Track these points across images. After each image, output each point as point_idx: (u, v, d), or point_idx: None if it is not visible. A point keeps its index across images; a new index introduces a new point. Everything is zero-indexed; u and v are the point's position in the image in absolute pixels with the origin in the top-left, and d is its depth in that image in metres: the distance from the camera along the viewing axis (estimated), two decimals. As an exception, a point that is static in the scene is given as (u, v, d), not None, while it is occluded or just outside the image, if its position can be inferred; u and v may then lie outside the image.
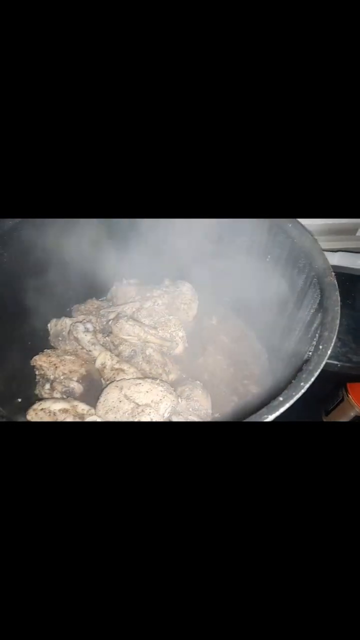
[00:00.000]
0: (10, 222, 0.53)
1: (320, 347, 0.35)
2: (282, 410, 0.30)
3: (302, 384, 0.31)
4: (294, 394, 0.31)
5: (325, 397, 0.61)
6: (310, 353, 0.35)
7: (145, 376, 0.60)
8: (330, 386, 0.57)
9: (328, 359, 0.35)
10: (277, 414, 0.30)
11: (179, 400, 0.55)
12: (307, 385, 0.31)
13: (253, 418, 0.29)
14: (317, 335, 0.37)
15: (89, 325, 0.64)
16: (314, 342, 0.36)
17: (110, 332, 0.64)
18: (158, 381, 0.55)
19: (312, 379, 0.32)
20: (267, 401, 0.31)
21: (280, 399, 0.30)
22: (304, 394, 0.32)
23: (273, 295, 0.60)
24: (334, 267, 0.44)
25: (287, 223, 0.52)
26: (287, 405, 0.30)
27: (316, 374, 0.32)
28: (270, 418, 0.29)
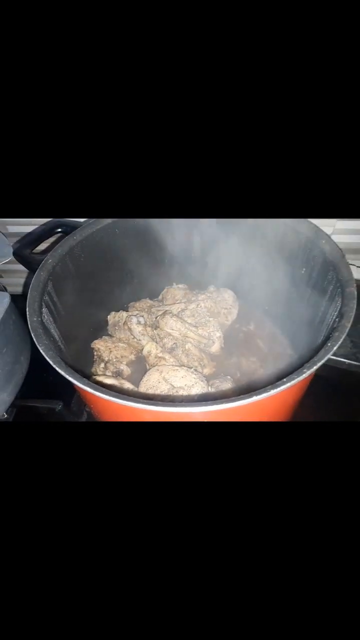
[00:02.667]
0: (89, 229, 0.67)
1: (329, 344, 0.40)
2: (283, 387, 0.36)
3: (304, 370, 0.37)
4: (295, 377, 0.37)
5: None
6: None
7: (182, 366, 0.69)
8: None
9: (338, 356, 0.40)
10: (279, 389, 0.36)
11: (209, 388, 0.62)
12: (309, 372, 0.37)
13: (253, 394, 0.36)
14: (330, 335, 0.42)
15: (141, 319, 0.75)
16: (327, 341, 0.42)
17: (157, 327, 0.75)
18: (192, 369, 0.63)
19: (315, 367, 0.38)
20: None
21: (284, 380, 0.37)
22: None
23: (305, 304, 0.65)
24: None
25: (320, 239, 0.58)
26: (286, 386, 0.36)
27: (319, 364, 0.38)
28: (274, 392, 0.36)
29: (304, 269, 0.64)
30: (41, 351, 0.43)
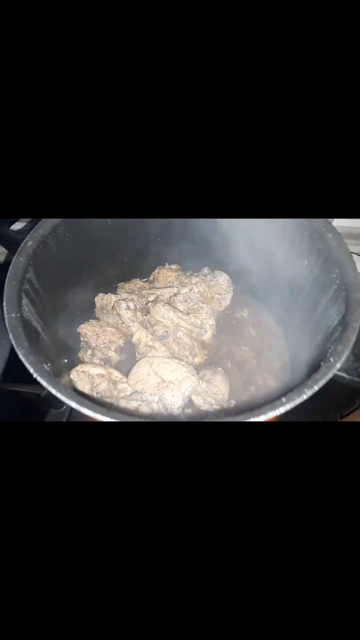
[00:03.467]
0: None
1: (331, 359, 0.38)
2: (282, 410, 0.34)
3: (305, 389, 0.35)
4: (296, 397, 0.35)
5: (340, 404, 0.64)
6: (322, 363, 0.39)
7: (173, 356, 0.67)
8: (344, 394, 0.60)
9: (339, 371, 0.38)
10: (277, 412, 0.34)
11: (200, 382, 0.61)
12: (311, 392, 0.35)
13: (253, 414, 0.34)
14: (331, 347, 0.40)
15: (130, 304, 0.71)
16: (328, 354, 0.40)
17: (148, 312, 0.71)
18: (184, 362, 0.61)
19: (316, 388, 0.36)
20: (277, 397, 0.35)
21: (283, 400, 0.35)
22: (311, 397, 0.36)
23: (304, 298, 0.62)
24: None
25: (327, 232, 0.53)
26: (288, 407, 0.34)
27: (321, 383, 0.36)
28: (271, 414, 0.34)
29: (306, 261, 0.60)
30: (20, 356, 0.40)
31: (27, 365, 0.39)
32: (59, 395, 0.37)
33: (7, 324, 0.42)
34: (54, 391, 0.37)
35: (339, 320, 0.45)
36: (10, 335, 0.41)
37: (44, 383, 0.37)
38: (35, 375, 0.38)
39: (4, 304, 0.44)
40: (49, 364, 0.45)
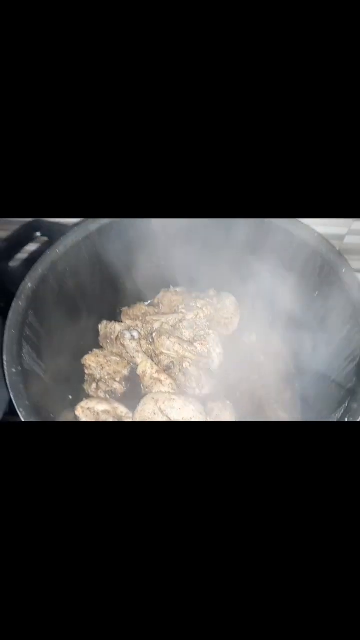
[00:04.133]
0: (72, 238, 0.58)
1: (346, 418, 0.36)
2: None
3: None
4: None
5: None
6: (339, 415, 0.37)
7: (180, 387, 0.65)
8: None
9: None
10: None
11: (207, 418, 0.59)
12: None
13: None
14: (347, 405, 0.38)
15: (135, 333, 0.69)
16: (342, 411, 0.37)
17: (153, 341, 0.69)
18: (191, 399, 0.59)
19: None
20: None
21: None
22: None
23: (315, 328, 0.60)
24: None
25: (341, 267, 0.50)
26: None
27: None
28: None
29: (317, 292, 0.57)
30: (21, 417, 0.38)
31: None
32: None
33: (7, 381, 0.41)
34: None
35: (354, 370, 0.43)
36: (12, 395, 0.40)
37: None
38: None
39: (4, 357, 0.43)
40: (53, 414, 0.44)
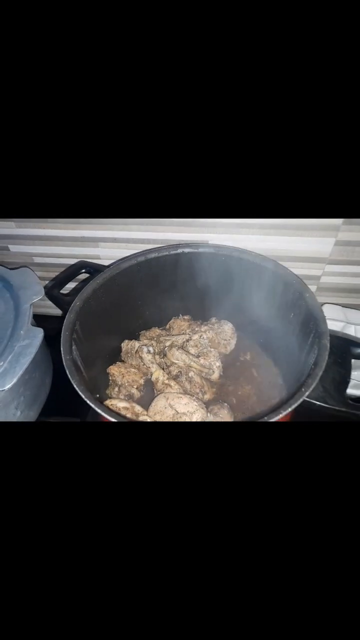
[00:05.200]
0: (109, 273, 0.78)
1: (302, 389, 0.51)
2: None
3: (281, 411, 0.48)
4: (274, 417, 0.47)
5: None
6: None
7: (186, 392, 0.80)
8: (316, 418, 0.70)
9: (311, 398, 0.51)
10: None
11: (209, 415, 0.73)
12: (284, 413, 0.48)
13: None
14: (306, 381, 0.53)
15: (150, 349, 0.86)
16: (303, 387, 0.52)
17: (165, 355, 0.86)
18: (194, 398, 0.74)
19: (289, 409, 0.48)
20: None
21: (265, 418, 0.47)
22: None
23: (294, 343, 0.76)
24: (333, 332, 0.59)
25: (305, 292, 0.69)
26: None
27: (292, 407, 0.48)
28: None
29: (292, 314, 0.74)
30: (74, 386, 0.54)
31: (80, 393, 0.53)
32: (105, 414, 0.51)
33: (64, 364, 0.58)
34: (100, 411, 0.51)
35: (314, 361, 0.58)
36: (67, 372, 0.56)
37: (90, 403, 0.52)
38: (85, 399, 0.52)
39: (61, 347, 0.61)
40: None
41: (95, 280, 0.75)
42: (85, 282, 0.78)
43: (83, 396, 0.53)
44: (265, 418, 0.47)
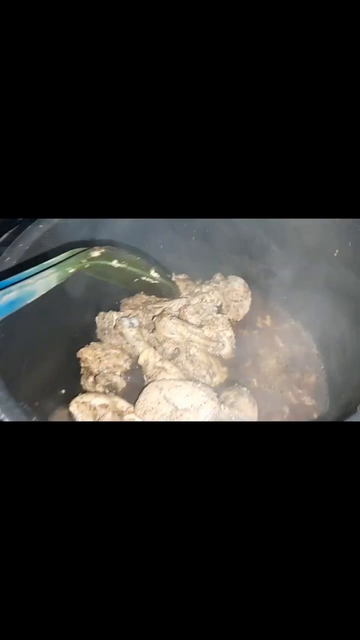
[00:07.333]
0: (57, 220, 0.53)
1: None
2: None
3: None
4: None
5: None
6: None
7: (188, 377, 0.57)
8: None
9: None
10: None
11: (222, 407, 0.51)
12: None
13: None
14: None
15: (134, 321, 0.63)
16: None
17: (155, 329, 0.62)
18: (200, 385, 0.51)
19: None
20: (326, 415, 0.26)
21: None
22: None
23: (339, 297, 0.52)
24: None
25: None
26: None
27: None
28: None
29: (337, 251, 0.50)
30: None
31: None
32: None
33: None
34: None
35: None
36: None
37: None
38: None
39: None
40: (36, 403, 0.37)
41: (35, 225, 0.50)
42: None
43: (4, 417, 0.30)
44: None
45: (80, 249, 0.50)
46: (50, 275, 0.43)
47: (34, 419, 0.32)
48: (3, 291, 0.37)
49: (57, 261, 0.45)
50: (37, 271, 0.42)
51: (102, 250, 0.51)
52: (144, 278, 0.60)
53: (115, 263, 0.53)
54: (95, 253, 0.50)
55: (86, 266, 0.49)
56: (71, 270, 0.46)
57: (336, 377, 0.57)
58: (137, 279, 0.58)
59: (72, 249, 0.49)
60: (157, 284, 0.61)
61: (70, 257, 0.47)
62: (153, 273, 0.60)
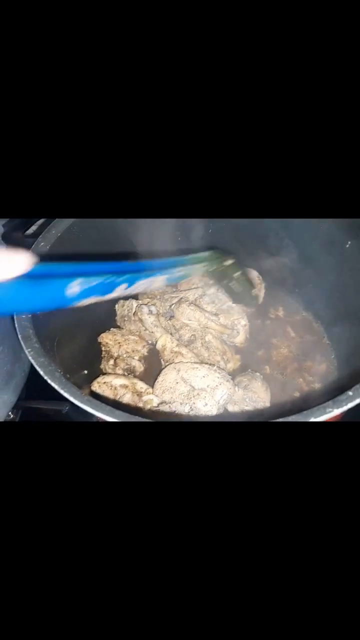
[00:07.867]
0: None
1: None
2: (350, 405, 0.26)
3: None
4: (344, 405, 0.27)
5: None
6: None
7: (203, 362, 0.60)
8: None
9: None
10: (345, 409, 0.26)
11: (236, 389, 0.53)
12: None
13: (316, 411, 0.27)
14: None
15: (152, 308, 0.66)
16: None
17: (172, 316, 0.65)
18: (215, 367, 0.54)
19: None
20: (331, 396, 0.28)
21: (350, 393, 0.27)
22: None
23: (349, 289, 0.54)
24: None
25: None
26: (357, 401, 0.26)
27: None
28: (336, 412, 0.26)
29: (349, 242, 0.52)
30: (29, 357, 0.35)
31: (37, 367, 0.34)
32: (82, 405, 0.32)
33: (16, 325, 0.38)
34: (74, 400, 0.32)
35: None
36: (19, 336, 0.36)
37: (63, 393, 0.32)
38: (53, 385, 0.33)
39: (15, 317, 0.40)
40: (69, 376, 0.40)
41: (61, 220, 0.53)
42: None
43: (50, 381, 0.33)
44: (350, 393, 0.27)
45: (219, 254, 0.61)
46: (198, 267, 0.57)
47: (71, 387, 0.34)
48: (176, 269, 0.49)
49: (202, 258, 0.57)
50: (191, 262, 0.55)
51: (232, 261, 0.61)
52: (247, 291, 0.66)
53: (237, 275, 0.63)
54: (229, 262, 0.61)
55: (220, 269, 0.61)
56: (211, 269, 0.59)
57: (344, 367, 0.59)
58: (242, 290, 0.65)
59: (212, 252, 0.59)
60: (248, 298, 0.67)
61: (211, 259, 0.59)
62: (253, 292, 0.67)
